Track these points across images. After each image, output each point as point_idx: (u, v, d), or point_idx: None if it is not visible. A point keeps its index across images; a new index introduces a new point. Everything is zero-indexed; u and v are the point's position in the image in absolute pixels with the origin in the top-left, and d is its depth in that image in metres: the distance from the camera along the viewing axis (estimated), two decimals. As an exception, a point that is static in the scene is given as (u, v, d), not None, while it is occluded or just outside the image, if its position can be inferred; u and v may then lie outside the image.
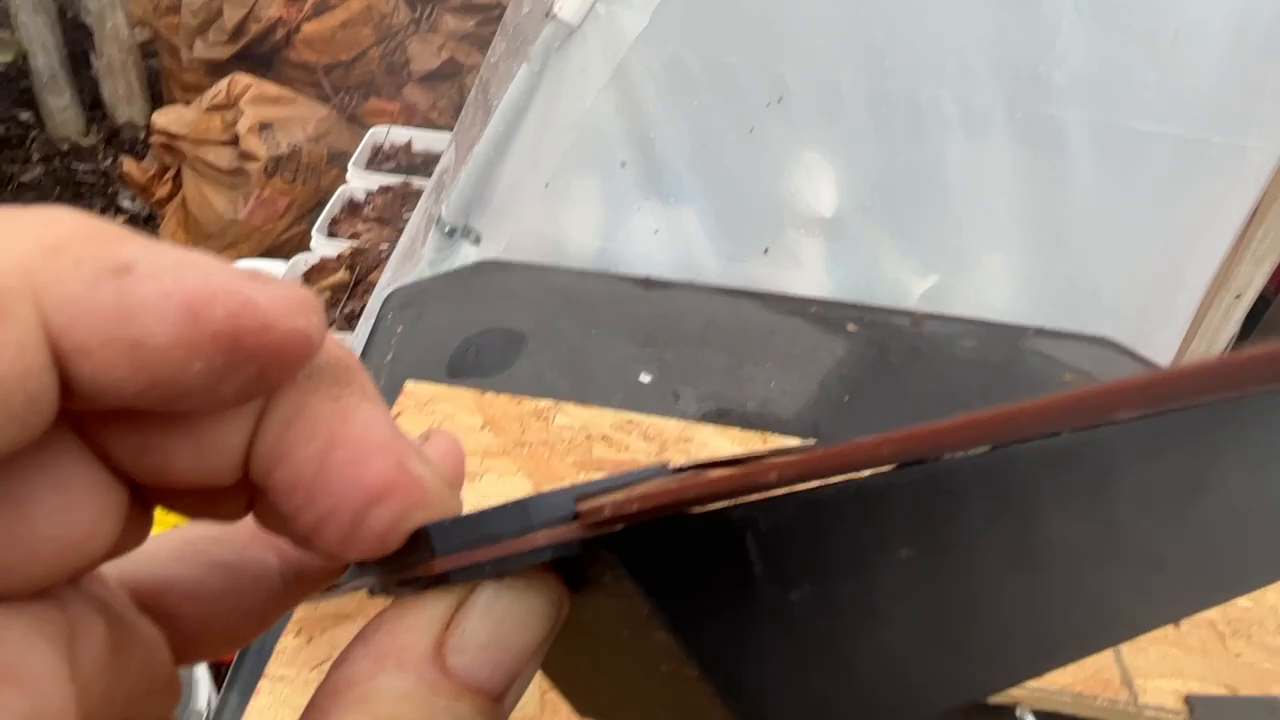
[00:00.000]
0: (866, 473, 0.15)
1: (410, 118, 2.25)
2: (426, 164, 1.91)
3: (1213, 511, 0.20)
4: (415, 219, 1.12)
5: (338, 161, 1.99)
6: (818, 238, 0.94)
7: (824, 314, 0.88)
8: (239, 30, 2.21)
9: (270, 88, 2.03)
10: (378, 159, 1.94)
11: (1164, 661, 0.55)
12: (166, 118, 1.92)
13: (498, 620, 0.15)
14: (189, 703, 0.98)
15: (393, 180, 1.84)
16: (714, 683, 0.15)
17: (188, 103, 2.05)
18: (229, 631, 0.18)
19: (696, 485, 0.13)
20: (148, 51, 2.60)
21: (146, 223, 2.35)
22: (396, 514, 0.14)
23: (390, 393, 0.69)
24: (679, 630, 0.14)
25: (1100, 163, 0.89)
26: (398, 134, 2.01)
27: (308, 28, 2.26)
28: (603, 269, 0.93)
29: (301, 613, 0.52)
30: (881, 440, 0.11)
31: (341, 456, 0.14)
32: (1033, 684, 0.52)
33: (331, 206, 1.77)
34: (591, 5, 0.84)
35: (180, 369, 0.12)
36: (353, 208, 1.80)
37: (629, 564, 0.14)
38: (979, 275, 0.94)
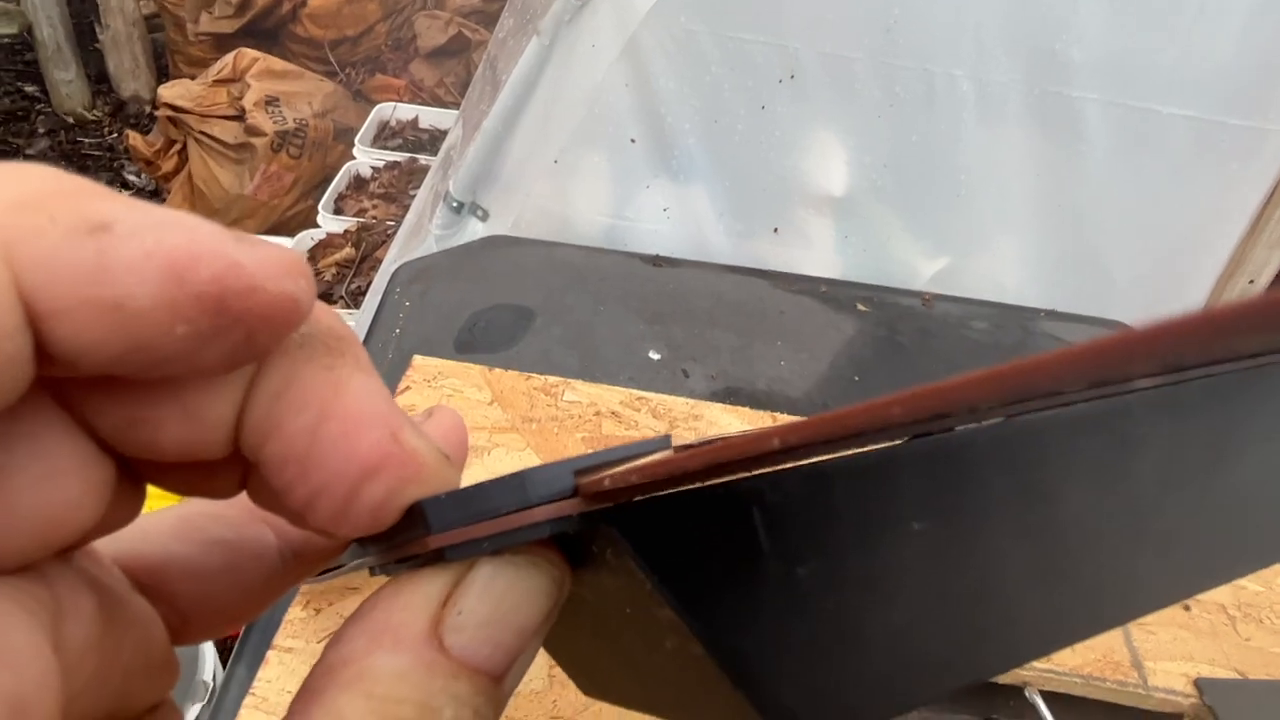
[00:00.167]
0: (876, 445, 0.14)
1: (417, 94, 2.24)
2: (433, 141, 1.90)
3: (1234, 482, 0.20)
4: (422, 195, 1.12)
5: (344, 137, 1.98)
6: (828, 217, 0.93)
7: (834, 293, 0.88)
8: (245, 4, 2.20)
9: (276, 62, 2.02)
10: (384, 135, 1.94)
11: (1174, 644, 0.55)
12: (172, 91, 1.91)
13: (497, 598, 0.14)
14: (195, 674, 0.98)
15: (399, 157, 1.83)
16: (719, 660, 0.14)
17: (193, 77, 2.04)
18: (227, 610, 0.17)
19: (698, 455, 0.13)
20: (153, 25, 2.59)
21: (152, 197, 2.34)
22: (390, 488, 0.14)
23: (398, 367, 0.69)
24: (683, 607, 0.14)
25: (1115, 144, 0.88)
26: (404, 110, 2.00)
27: (314, 2, 2.24)
28: (611, 246, 0.92)
29: (307, 585, 0.52)
30: (891, 400, 0.11)
31: (334, 429, 0.14)
32: (1041, 665, 0.52)
33: (338, 182, 1.77)
34: (603, -22, 0.83)
35: (163, 332, 0.11)
36: (359, 184, 1.80)
37: (631, 539, 0.14)
38: (990, 257, 0.94)
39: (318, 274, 1.58)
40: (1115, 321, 0.92)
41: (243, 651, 0.52)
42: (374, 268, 1.52)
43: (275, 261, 0.12)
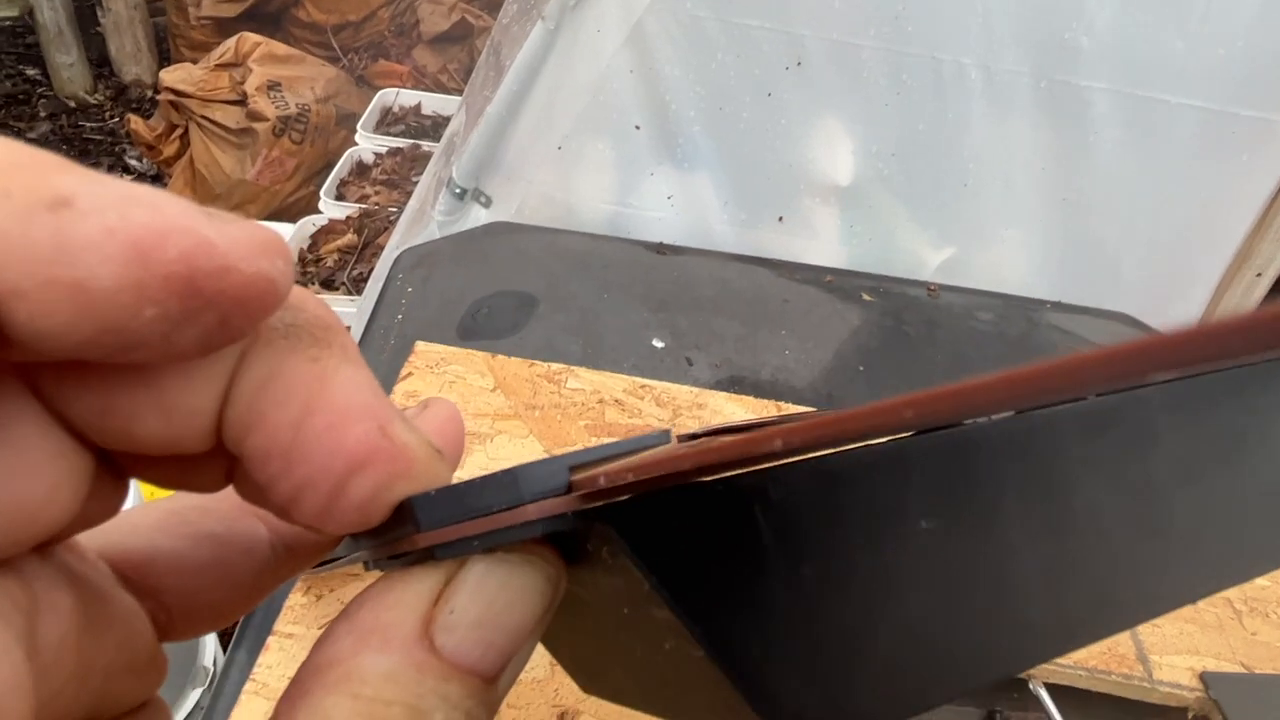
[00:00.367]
0: (884, 439, 0.14)
1: (420, 80, 2.23)
2: (436, 127, 1.89)
3: (1251, 478, 0.20)
4: (424, 182, 1.11)
5: (346, 123, 1.98)
6: (833, 206, 0.92)
7: (839, 283, 0.87)
8: (247, -12, 2.18)
9: (279, 47, 2.00)
10: (387, 121, 1.93)
11: (1179, 638, 0.55)
12: (174, 76, 1.90)
13: (489, 598, 0.14)
14: (195, 659, 0.98)
15: (402, 143, 1.82)
16: (720, 662, 0.14)
17: (195, 61, 2.03)
18: (216, 606, 0.17)
19: (695, 455, 0.12)
20: (155, 8, 2.58)
21: (154, 181, 2.34)
22: (378, 484, 0.13)
23: (400, 353, 0.68)
24: (682, 607, 0.14)
25: (1124, 134, 0.87)
26: (407, 96, 1.99)
27: (317, -13, 2.23)
28: (615, 234, 0.91)
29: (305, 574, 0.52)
30: (903, 402, 0.10)
31: (319, 422, 0.13)
32: (1046, 657, 0.52)
33: (340, 168, 1.76)
34: (609, -38, 0.82)
35: (130, 315, 0.11)
36: (361, 170, 1.79)
37: (627, 537, 0.13)
38: (997, 247, 0.93)
39: (319, 260, 1.57)
40: (1121, 314, 0.91)
41: (243, 637, 0.52)
42: (376, 254, 1.51)
43: (249, 240, 0.12)
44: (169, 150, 1.99)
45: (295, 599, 0.51)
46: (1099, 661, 0.53)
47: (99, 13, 2.55)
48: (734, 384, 0.72)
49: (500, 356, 0.68)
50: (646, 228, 0.92)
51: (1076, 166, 0.89)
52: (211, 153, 1.91)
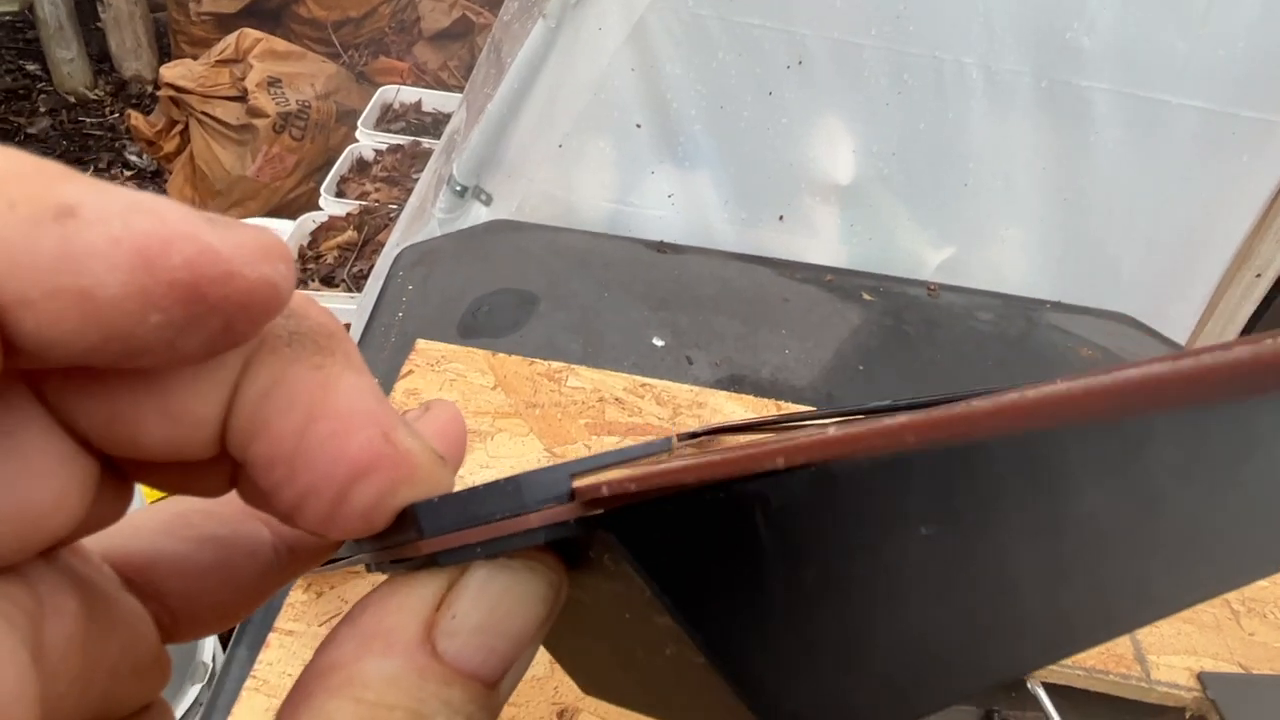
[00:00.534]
0: None
1: (420, 77, 2.23)
2: (436, 124, 1.89)
3: (1254, 481, 0.20)
4: (425, 179, 1.11)
5: (347, 120, 1.97)
6: (834, 205, 0.92)
7: (839, 282, 0.87)
8: (248, -16, 2.18)
9: (279, 43, 2.00)
10: (387, 118, 1.93)
11: (1177, 638, 0.55)
12: (174, 71, 1.90)
13: (491, 603, 0.14)
14: (195, 655, 0.98)
15: (402, 140, 1.82)
16: (721, 668, 0.14)
17: (195, 57, 2.03)
18: (220, 608, 0.17)
19: (696, 469, 0.12)
20: (155, 4, 2.57)
21: (154, 177, 2.34)
22: (381, 490, 0.13)
23: (400, 351, 0.68)
24: (683, 614, 0.14)
25: (1125, 135, 0.87)
26: (407, 93, 1.99)
27: (317, -17, 2.23)
28: (616, 232, 0.91)
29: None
30: (906, 426, 0.10)
31: (322, 429, 0.13)
32: (1044, 657, 0.52)
33: (340, 165, 1.76)
34: (611, -40, 0.82)
35: (136, 322, 0.11)
36: (361, 167, 1.79)
37: (629, 544, 0.13)
38: (997, 247, 0.93)
39: (319, 257, 1.57)
40: (1121, 314, 0.91)
41: (244, 634, 0.52)
42: (376, 251, 1.51)
43: (252, 245, 0.12)
44: (169, 146, 1.99)
45: (296, 596, 0.51)
46: (1097, 661, 0.53)
47: (99, 8, 2.55)
48: (734, 383, 0.72)
49: (501, 354, 0.68)
50: (647, 226, 0.92)
51: (1077, 167, 0.89)
52: (212, 149, 1.91)
